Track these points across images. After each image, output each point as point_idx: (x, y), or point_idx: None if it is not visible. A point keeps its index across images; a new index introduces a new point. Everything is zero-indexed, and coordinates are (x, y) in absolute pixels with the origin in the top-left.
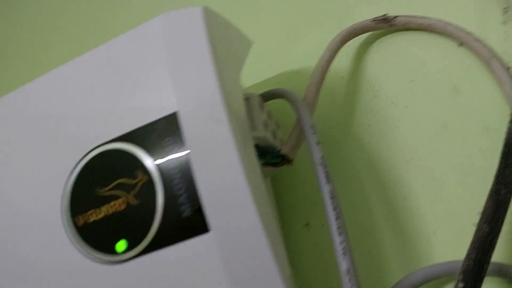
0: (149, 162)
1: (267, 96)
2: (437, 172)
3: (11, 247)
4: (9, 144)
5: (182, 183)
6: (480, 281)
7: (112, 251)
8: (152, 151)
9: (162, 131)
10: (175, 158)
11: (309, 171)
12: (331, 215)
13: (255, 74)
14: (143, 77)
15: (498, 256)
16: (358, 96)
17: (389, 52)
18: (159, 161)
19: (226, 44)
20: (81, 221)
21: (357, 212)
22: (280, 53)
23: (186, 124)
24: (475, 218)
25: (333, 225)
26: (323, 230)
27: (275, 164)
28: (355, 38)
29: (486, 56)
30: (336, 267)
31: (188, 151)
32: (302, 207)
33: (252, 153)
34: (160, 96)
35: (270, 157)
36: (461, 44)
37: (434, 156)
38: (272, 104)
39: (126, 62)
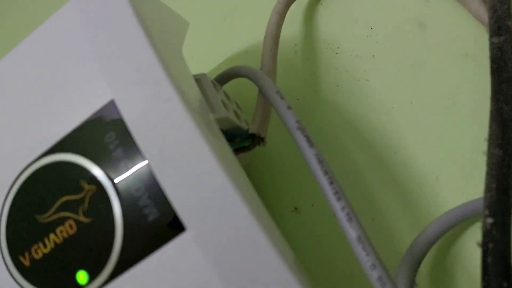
0: (93, 168)
1: (221, 80)
2: (423, 115)
3: None
4: None
5: (138, 182)
6: (509, 210)
7: (74, 286)
8: (93, 154)
9: (100, 127)
10: (122, 153)
11: (286, 153)
12: (323, 180)
13: (201, 64)
14: (65, 73)
15: None
16: (318, 59)
17: (339, 3)
18: (104, 163)
19: (158, 21)
20: (27, 260)
21: (349, 179)
22: (223, 37)
23: (127, 111)
24: (477, 150)
25: (329, 191)
26: (314, 210)
27: (247, 148)
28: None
29: None
30: (335, 248)
31: (136, 140)
32: (287, 192)
33: (219, 132)
34: (90, 88)
35: (239, 140)
36: None
37: (417, 99)
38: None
39: (47, 61)
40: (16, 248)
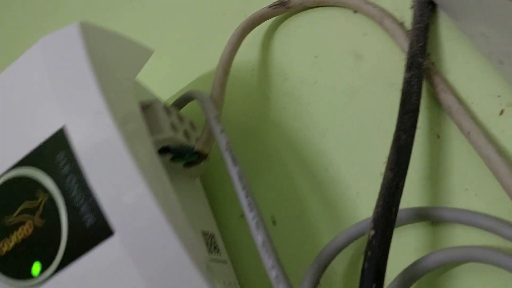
0: (47, 181)
1: (179, 103)
2: (351, 137)
3: None
4: None
5: (80, 194)
6: (390, 225)
7: (29, 276)
8: (47, 169)
9: (54, 148)
10: (69, 170)
11: (257, 166)
12: (241, 194)
13: (174, 85)
14: (31, 104)
15: (416, 202)
16: (270, 83)
17: (292, 34)
18: (55, 177)
19: (111, 54)
20: None
21: (285, 193)
22: (195, 59)
23: (75, 136)
24: None
25: (244, 203)
26: None
27: (194, 162)
28: (259, 29)
29: (378, 16)
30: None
31: (80, 160)
32: (235, 200)
33: (151, 153)
34: (47, 116)
35: (187, 156)
36: (355, 11)
37: (347, 123)
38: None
39: (16, 94)
40: None
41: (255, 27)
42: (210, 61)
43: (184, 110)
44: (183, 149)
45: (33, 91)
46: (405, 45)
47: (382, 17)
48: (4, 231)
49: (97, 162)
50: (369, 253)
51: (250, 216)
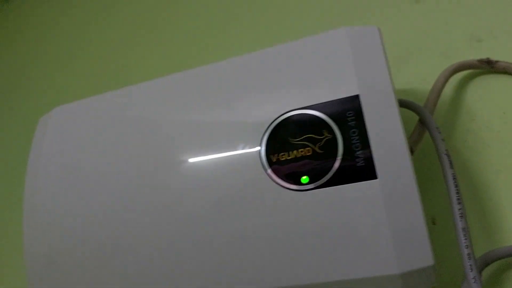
0: (334, 126)
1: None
2: None
3: (219, 186)
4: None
5: (359, 143)
6: None
7: (297, 182)
8: (337, 119)
9: (347, 106)
10: (355, 125)
11: (432, 172)
12: (452, 189)
13: None
14: (332, 69)
15: None
16: (457, 119)
17: (488, 88)
18: (342, 126)
19: (386, 57)
20: (274, 158)
21: (445, 198)
22: (395, 76)
23: (365, 104)
24: None
25: (454, 196)
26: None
27: None
28: (459, 73)
29: None
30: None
31: (365, 122)
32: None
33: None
34: (346, 83)
35: None
36: None
37: None
38: None
39: (315, 57)
40: (270, 150)
41: (461, 71)
42: (404, 81)
43: None
44: None
45: (337, 62)
46: None
47: None
48: (288, 146)
49: (378, 127)
50: None
51: (456, 207)
